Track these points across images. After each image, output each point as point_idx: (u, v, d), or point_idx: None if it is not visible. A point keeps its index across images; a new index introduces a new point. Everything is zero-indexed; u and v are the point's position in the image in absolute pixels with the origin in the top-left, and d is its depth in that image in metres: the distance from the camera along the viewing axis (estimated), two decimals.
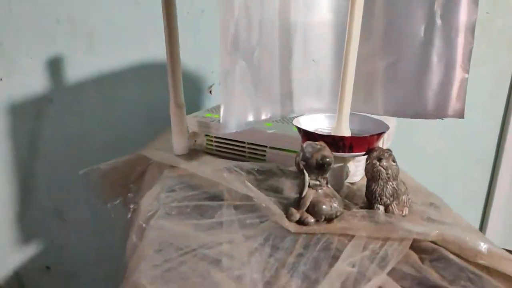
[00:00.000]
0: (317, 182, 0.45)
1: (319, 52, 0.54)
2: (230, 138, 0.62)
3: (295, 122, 0.51)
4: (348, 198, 0.50)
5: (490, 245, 0.37)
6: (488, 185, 1.05)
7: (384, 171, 0.44)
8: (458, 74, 0.49)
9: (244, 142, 0.61)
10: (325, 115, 0.55)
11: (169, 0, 0.55)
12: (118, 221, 0.82)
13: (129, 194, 0.70)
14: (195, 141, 0.65)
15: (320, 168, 0.44)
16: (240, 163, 0.56)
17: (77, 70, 0.84)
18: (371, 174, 0.45)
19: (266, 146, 0.59)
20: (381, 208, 0.45)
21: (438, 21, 0.49)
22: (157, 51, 0.83)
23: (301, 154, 0.45)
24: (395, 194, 0.44)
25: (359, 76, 0.51)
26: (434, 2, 0.49)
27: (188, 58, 0.85)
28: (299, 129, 0.50)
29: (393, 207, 0.44)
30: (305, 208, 0.45)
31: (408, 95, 0.53)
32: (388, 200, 0.44)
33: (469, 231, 0.41)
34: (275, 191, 0.51)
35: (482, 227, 1.08)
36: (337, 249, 0.40)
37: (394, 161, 0.45)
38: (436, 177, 1.04)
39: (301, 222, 0.45)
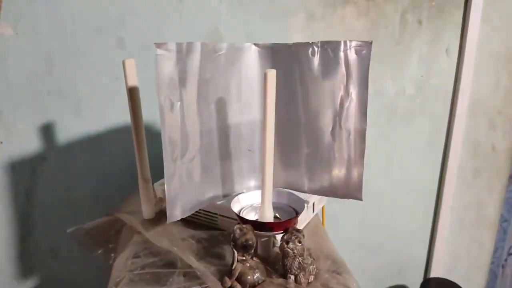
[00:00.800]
0: (243, 258, 0.59)
1: (254, 143, 0.68)
2: None
3: (233, 203, 0.66)
4: (276, 263, 0.64)
5: None
6: (432, 221, 1.19)
7: (290, 251, 0.58)
8: (354, 169, 0.63)
9: (199, 210, 0.75)
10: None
11: (135, 102, 0.69)
12: (102, 267, 0.96)
13: (109, 245, 0.84)
14: (162, 205, 0.79)
15: (244, 248, 0.58)
16: (193, 232, 0.70)
17: (66, 132, 0.99)
18: (282, 252, 0.59)
19: (217, 214, 0.73)
20: (292, 277, 0.59)
21: (339, 126, 0.63)
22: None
23: (231, 236, 0.60)
24: (301, 267, 0.58)
25: (288, 159, 0.66)
26: (337, 112, 0.63)
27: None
28: (234, 213, 0.64)
29: (300, 277, 0.58)
30: (234, 278, 0.59)
31: (323, 178, 0.67)
32: (296, 272, 0.58)
33: None
34: (218, 257, 0.65)
35: (429, 258, 1.22)
36: None
37: (300, 241, 0.59)
38: (385, 214, 1.18)
39: None
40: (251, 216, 0.67)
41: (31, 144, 0.98)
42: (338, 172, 0.65)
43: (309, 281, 0.59)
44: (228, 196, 0.69)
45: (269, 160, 0.59)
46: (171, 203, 0.58)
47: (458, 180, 1.15)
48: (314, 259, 0.61)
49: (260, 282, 0.59)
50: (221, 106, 0.64)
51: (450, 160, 1.10)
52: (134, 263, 0.66)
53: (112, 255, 0.84)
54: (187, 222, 0.75)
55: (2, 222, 1.03)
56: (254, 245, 0.59)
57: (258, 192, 0.69)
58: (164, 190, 0.78)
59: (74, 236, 0.81)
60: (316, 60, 0.61)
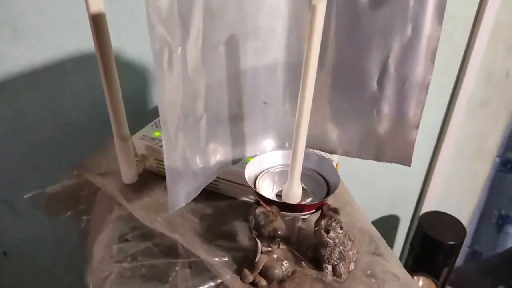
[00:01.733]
0: (269, 249, 0.46)
1: (271, 94, 0.52)
2: None
3: (247, 173, 0.51)
4: (299, 243, 0.52)
5: None
6: (432, 153, 1.11)
7: (331, 241, 0.46)
8: (405, 129, 0.49)
9: None
10: (278, 152, 0.55)
11: (102, 37, 0.49)
12: (72, 231, 0.82)
13: (80, 206, 0.69)
14: (145, 164, 0.63)
15: (272, 238, 0.45)
16: (193, 206, 0.56)
17: (5, 64, 0.75)
18: (319, 241, 0.46)
19: (219, 178, 0.59)
20: (329, 268, 0.47)
21: (392, 73, 0.47)
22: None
23: (253, 222, 0.46)
24: (342, 257, 0.47)
25: (316, 113, 0.50)
26: (389, 53, 0.46)
27: (130, 45, 0.78)
28: (253, 190, 0.49)
29: (340, 268, 0.47)
30: (258, 271, 0.47)
31: (361, 138, 0.52)
32: (336, 262, 0.47)
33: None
34: (229, 238, 0.52)
35: (423, 190, 1.17)
36: None
37: (341, 227, 0.46)
38: None
39: (254, 284, 0.47)
40: (269, 186, 0.53)
41: None
42: (383, 132, 0.51)
43: (349, 270, 0.48)
44: (239, 162, 0.54)
45: (305, 120, 0.43)
46: (173, 188, 0.42)
47: (465, 110, 1.05)
48: (353, 242, 0.49)
49: (289, 275, 0.47)
50: (233, 48, 0.45)
51: (462, 89, 0.99)
52: (122, 250, 0.51)
53: (84, 217, 0.70)
54: None
55: None
56: (283, 233, 0.46)
57: (276, 153, 0.54)
58: (147, 146, 0.62)
59: (34, 201, 0.65)
60: None
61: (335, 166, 0.61)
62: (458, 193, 1.23)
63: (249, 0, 0.44)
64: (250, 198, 0.58)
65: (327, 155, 0.59)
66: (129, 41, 0.78)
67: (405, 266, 1.10)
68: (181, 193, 0.44)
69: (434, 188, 1.13)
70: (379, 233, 0.55)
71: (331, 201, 0.56)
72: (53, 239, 0.96)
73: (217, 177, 0.58)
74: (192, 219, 0.54)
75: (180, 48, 0.38)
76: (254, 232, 0.46)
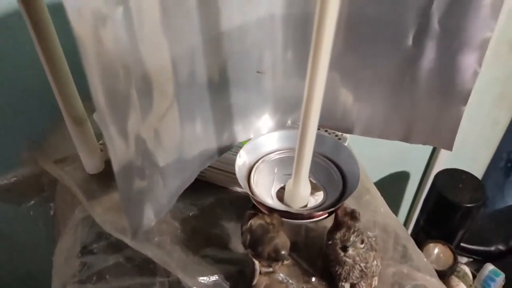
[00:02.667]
0: (270, 269, 0.36)
1: (265, 60, 0.38)
2: None
3: (238, 166, 0.39)
4: (308, 248, 0.41)
5: None
6: None
7: (350, 260, 0.35)
8: (453, 104, 0.36)
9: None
10: (277, 133, 0.42)
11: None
12: (38, 220, 0.71)
13: (43, 193, 0.58)
14: None
15: (274, 260, 0.34)
16: (173, 206, 0.44)
17: None
18: (335, 259, 0.35)
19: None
20: (347, 286, 0.37)
21: (435, 27, 0.34)
22: None
23: (248, 237, 0.35)
24: (363, 274, 0.36)
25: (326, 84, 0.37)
26: (433, 0, 0.32)
27: None
28: (249, 192, 0.37)
29: (361, 286, 0.37)
30: None
31: (388, 114, 0.40)
32: (355, 281, 0.37)
33: None
34: (220, 245, 0.42)
35: None
36: None
37: (362, 241, 0.35)
38: None
39: None
40: (267, 180, 0.41)
41: None
42: (418, 106, 0.38)
43: (372, 286, 0.38)
44: (228, 150, 0.42)
45: (318, 94, 0.30)
46: (132, 207, 0.30)
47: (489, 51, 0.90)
48: (376, 250, 0.38)
49: None
50: (210, 2, 0.31)
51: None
52: (86, 266, 0.41)
53: (51, 204, 0.59)
54: None
55: None
56: (288, 253, 0.35)
57: (273, 136, 0.42)
58: None
59: None
60: None
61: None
62: (475, 145, 1.12)
63: None
64: (242, 189, 0.47)
65: (341, 134, 0.47)
66: None
67: (416, 227, 1.03)
68: (147, 210, 0.32)
69: None
70: (405, 229, 0.44)
71: None
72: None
73: None
74: (172, 223, 0.43)
75: (121, 7, 0.24)
76: (249, 250, 0.35)
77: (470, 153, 1.14)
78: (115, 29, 0.24)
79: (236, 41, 0.35)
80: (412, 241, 0.43)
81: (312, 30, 0.34)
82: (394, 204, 1.18)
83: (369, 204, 0.46)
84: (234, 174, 0.45)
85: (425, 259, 0.42)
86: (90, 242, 0.43)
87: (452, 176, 0.94)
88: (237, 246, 0.42)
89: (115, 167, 0.28)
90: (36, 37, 0.37)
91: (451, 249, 0.84)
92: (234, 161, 0.43)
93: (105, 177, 0.49)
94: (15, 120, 0.69)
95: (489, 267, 0.85)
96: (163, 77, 0.30)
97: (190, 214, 0.44)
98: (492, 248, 1.13)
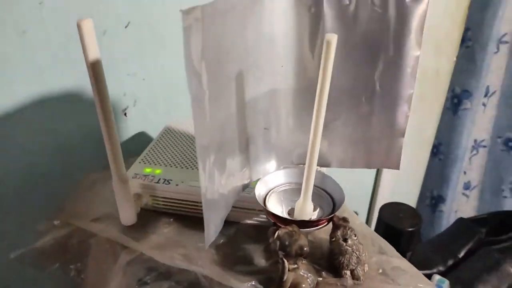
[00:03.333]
0: (295, 266, 0.49)
1: (270, 120, 0.55)
2: (181, 198, 0.61)
3: (258, 196, 0.53)
4: (312, 255, 0.55)
5: None
6: None
7: (350, 248, 0.50)
8: (395, 138, 0.55)
9: (196, 202, 0.60)
10: (281, 171, 0.58)
11: (100, 83, 0.48)
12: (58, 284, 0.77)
13: (67, 255, 0.66)
14: (142, 203, 0.62)
15: (298, 256, 0.48)
16: (202, 235, 0.56)
17: None
18: (339, 251, 0.50)
19: None
20: (348, 273, 0.51)
21: (378, 89, 0.53)
22: (54, 82, 0.73)
23: (277, 243, 0.49)
24: (359, 261, 0.51)
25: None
26: (375, 73, 0.52)
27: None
28: (268, 212, 0.52)
29: (358, 271, 0.51)
30: None
31: (354, 150, 0.57)
32: (354, 267, 0.51)
33: (419, 281, 0.51)
34: (247, 263, 0.54)
35: (376, 183, 1.27)
36: None
37: (355, 235, 0.51)
38: None
39: None
40: (277, 205, 0.56)
41: None
42: (373, 142, 0.56)
43: (365, 271, 0.53)
44: (247, 188, 0.56)
45: (317, 142, 0.47)
46: (209, 223, 0.43)
47: None
48: (362, 244, 0.53)
49: (314, 287, 0.50)
50: (239, 81, 0.47)
51: None
52: None
53: (72, 266, 0.67)
54: (185, 221, 0.60)
55: None
56: (308, 250, 0.49)
57: (278, 174, 0.57)
58: (142, 184, 0.61)
59: (22, 260, 0.61)
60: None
61: None
62: (406, 183, 1.35)
63: (252, 38, 0.46)
64: (254, 220, 0.60)
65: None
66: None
67: None
68: (212, 226, 0.45)
69: (386, 180, 1.24)
70: (378, 235, 0.60)
71: None
72: None
73: None
74: (208, 250, 0.55)
75: (207, 91, 0.39)
76: (280, 252, 0.48)
77: (403, 189, 1.36)
78: (205, 105, 0.39)
79: (252, 106, 0.51)
80: (384, 240, 0.59)
81: (300, 99, 0.52)
82: None
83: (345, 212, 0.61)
84: (246, 209, 0.59)
85: (395, 251, 0.57)
86: (144, 276, 0.53)
87: (393, 208, 1.14)
88: (260, 261, 0.55)
89: (203, 193, 0.41)
90: (103, 121, 0.51)
91: None
92: (246, 198, 0.57)
93: (139, 227, 0.60)
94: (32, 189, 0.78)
95: (436, 277, 1.03)
96: (219, 134, 0.45)
97: (220, 242, 0.56)
98: (435, 270, 1.32)
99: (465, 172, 1.49)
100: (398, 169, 0.57)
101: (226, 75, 0.44)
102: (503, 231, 1.09)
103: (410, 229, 1.08)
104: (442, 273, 1.31)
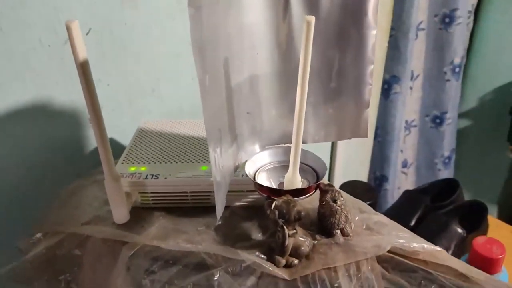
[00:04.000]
0: (294, 231, 0.54)
1: (252, 104, 0.59)
2: (170, 190, 0.63)
3: (250, 176, 0.57)
4: (302, 223, 0.61)
5: (425, 244, 0.55)
6: None
7: (339, 208, 0.56)
8: (362, 109, 0.62)
9: (186, 192, 0.63)
10: (266, 152, 0.63)
11: (89, 81, 0.50)
12: None
13: (55, 266, 0.65)
14: (132, 201, 0.63)
15: (297, 220, 0.53)
16: (205, 221, 0.59)
17: None
18: (329, 212, 0.56)
19: (210, 192, 0.63)
20: (338, 232, 0.57)
21: (343, 67, 0.60)
22: (19, 93, 0.71)
23: (276, 212, 0.53)
24: (347, 219, 0.57)
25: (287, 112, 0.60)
26: (339, 53, 0.59)
27: (60, 93, 0.76)
28: (259, 185, 0.56)
29: (347, 229, 0.57)
30: (288, 254, 0.54)
31: (326, 125, 0.64)
32: (343, 225, 0.57)
33: (399, 230, 0.59)
34: (245, 239, 0.58)
35: (331, 164, 1.36)
36: (332, 284, 0.51)
37: (342, 196, 0.57)
38: None
39: (287, 266, 0.54)
40: (267, 182, 0.60)
41: None
42: (343, 115, 0.63)
43: (352, 228, 0.59)
44: (237, 169, 0.60)
45: (301, 121, 0.53)
46: (220, 200, 0.47)
47: None
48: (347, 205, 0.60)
49: (312, 248, 0.55)
50: (226, 68, 0.52)
51: None
52: (156, 282, 0.52)
53: (61, 277, 0.66)
54: (176, 212, 0.63)
55: None
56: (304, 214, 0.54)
57: (261, 154, 0.62)
58: (131, 182, 0.62)
59: (15, 275, 0.59)
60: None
61: None
62: (356, 164, 1.46)
63: (233, 28, 0.51)
64: (243, 202, 0.64)
65: None
66: (59, 90, 0.76)
67: None
68: (221, 204, 0.49)
69: (339, 161, 1.34)
70: (358, 200, 0.67)
71: None
72: None
73: (208, 192, 0.63)
74: (208, 232, 0.58)
75: (207, 76, 0.43)
76: (280, 220, 0.53)
77: (354, 170, 1.47)
78: (206, 88, 0.43)
79: (237, 92, 0.55)
80: (361, 202, 0.66)
81: (280, 83, 0.57)
82: None
83: None
84: (235, 192, 0.63)
85: (372, 209, 0.65)
86: (150, 266, 0.54)
87: (351, 185, 1.23)
88: (257, 236, 0.59)
89: (214, 176, 0.44)
90: (97, 126, 0.52)
91: None
92: (234, 181, 0.61)
93: (134, 223, 0.61)
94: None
95: None
96: (217, 120, 0.49)
97: (218, 224, 0.59)
98: None
99: (402, 151, 1.64)
100: (366, 137, 0.64)
101: (217, 61, 0.48)
102: (445, 197, 1.22)
103: (369, 202, 1.17)
104: None
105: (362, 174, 1.57)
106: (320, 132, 0.64)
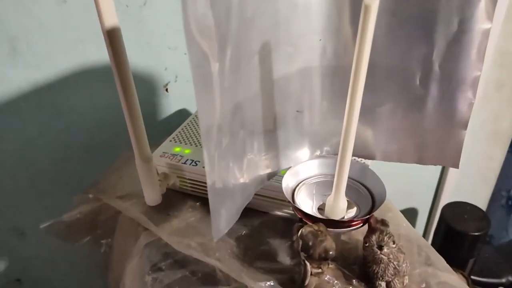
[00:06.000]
0: (319, 270, 0.43)
1: (303, 101, 0.48)
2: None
3: (285, 188, 0.47)
4: (344, 258, 0.49)
5: None
6: None
7: (385, 257, 0.42)
8: (455, 129, 0.46)
9: None
10: (314, 161, 0.51)
11: (118, 55, 0.45)
12: (91, 257, 0.78)
13: (97, 231, 0.65)
14: (168, 183, 0.59)
15: (324, 259, 0.42)
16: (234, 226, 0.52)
17: (5, 85, 0.71)
18: (372, 259, 0.43)
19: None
20: (383, 284, 0.44)
21: (436, 71, 0.44)
22: (96, 54, 0.71)
23: (300, 243, 0.43)
24: (396, 272, 0.44)
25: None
26: (433, 50, 0.43)
27: (136, 57, 0.74)
28: (293, 206, 0.46)
29: (395, 283, 0.44)
30: None
31: (403, 142, 0.49)
32: (390, 278, 0.44)
33: None
34: (270, 259, 0.49)
35: (440, 180, 1.15)
36: None
37: (394, 241, 0.43)
38: None
39: None
40: (308, 199, 0.49)
41: None
42: (428, 133, 0.47)
43: (404, 284, 0.45)
44: (274, 176, 0.50)
45: (353, 129, 0.40)
46: (218, 214, 0.38)
47: (481, 94, 1.02)
48: (404, 253, 0.46)
49: None
50: (266, 56, 0.41)
51: None
52: (157, 281, 0.48)
53: (104, 241, 0.67)
54: (204, 197, 0.57)
55: None
56: (335, 254, 0.42)
57: (311, 163, 0.51)
58: (169, 164, 0.58)
59: (50, 231, 0.61)
60: None
61: None
62: (475, 181, 1.21)
63: (283, 9, 0.40)
64: (283, 212, 0.55)
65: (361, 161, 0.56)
66: (134, 54, 0.74)
67: None
68: (223, 219, 0.40)
69: (451, 178, 1.11)
70: (426, 241, 0.52)
71: None
72: (65, 262, 0.92)
73: None
74: (228, 241, 0.50)
75: (218, 64, 0.34)
76: (302, 254, 0.42)
77: (471, 188, 1.22)
78: (213, 79, 0.34)
79: (282, 87, 0.45)
80: (432, 249, 0.51)
81: (339, 79, 0.45)
82: None
83: (392, 219, 0.53)
84: (275, 199, 0.53)
85: (445, 263, 0.49)
86: (159, 261, 0.50)
87: (458, 208, 1.02)
88: (284, 259, 0.49)
89: (209, 180, 0.36)
90: (124, 98, 0.47)
91: (464, 276, 0.90)
92: (275, 187, 0.52)
93: (163, 209, 0.57)
94: (74, 164, 0.79)
95: None
96: (235, 115, 0.40)
97: (243, 233, 0.51)
98: (503, 280, 1.18)
99: None
100: (457, 168, 0.48)
101: (247, 47, 0.38)
102: None
103: (475, 233, 0.95)
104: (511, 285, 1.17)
105: (482, 194, 1.29)
106: (394, 149, 0.50)
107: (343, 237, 0.51)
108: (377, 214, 0.48)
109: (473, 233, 0.95)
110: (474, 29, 0.40)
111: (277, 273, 0.47)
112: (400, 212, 0.55)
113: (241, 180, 0.43)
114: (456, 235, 0.97)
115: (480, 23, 0.40)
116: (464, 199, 1.05)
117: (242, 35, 0.37)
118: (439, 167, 1.12)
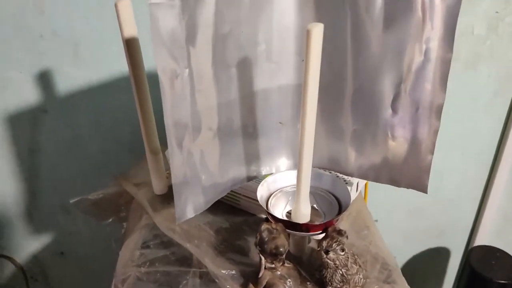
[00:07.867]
0: (272, 265, 0.47)
1: (285, 114, 0.53)
2: None
3: (259, 190, 0.52)
4: (310, 264, 0.52)
5: None
6: (486, 180, 1.04)
7: (331, 262, 0.45)
8: (419, 153, 0.48)
9: None
10: (294, 172, 0.56)
11: (135, 59, 0.54)
12: (113, 234, 0.88)
13: (120, 214, 0.75)
14: None
15: (274, 255, 0.46)
16: (211, 218, 0.58)
17: (66, 81, 0.85)
18: (321, 263, 0.46)
19: (240, 194, 0.61)
20: None
21: (404, 95, 0.47)
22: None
23: (258, 238, 0.47)
24: (345, 280, 0.46)
25: (331, 134, 0.51)
26: (402, 77, 0.46)
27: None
28: (265, 209, 0.51)
29: None
30: (261, 287, 0.48)
31: (376, 162, 0.52)
32: (338, 285, 0.46)
33: None
34: (241, 253, 0.54)
35: (476, 221, 1.09)
36: None
37: (343, 249, 0.46)
38: (433, 172, 1.03)
39: None
40: (282, 205, 0.54)
41: (28, 95, 0.85)
42: (398, 156, 0.50)
43: None
44: (254, 179, 0.56)
45: (308, 142, 0.44)
46: (179, 200, 0.45)
47: None
48: (360, 266, 0.48)
49: None
50: (246, 69, 0.48)
51: None
52: (143, 256, 0.55)
53: (124, 224, 0.76)
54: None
55: (8, 178, 0.95)
56: (286, 251, 0.46)
57: (291, 173, 0.55)
58: None
59: (78, 206, 0.72)
60: (378, 2, 0.43)
61: (358, 187, 0.61)
62: None
63: (261, 21, 0.46)
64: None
65: (349, 178, 0.59)
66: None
67: None
68: (189, 205, 0.47)
69: (488, 219, 1.05)
70: (397, 263, 0.53)
71: (350, 223, 0.56)
72: (103, 240, 1.04)
73: (238, 193, 0.60)
74: (208, 231, 0.56)
75: (187, 70, 0.41)
76: (258, 247, 0.47)
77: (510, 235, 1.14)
78: (183, 82, 0.41)
79: (263, 99, 0.51)
80: (398, 270, 0.52)
81: (321, 97, 0.49)
82: (437, 281, 1.19)
83: (366, 237, 0.56)
84: (258, 202, 0.58)
85: (407, 284, 0.50)
86: (149, 240, 0.57)
87: (487, 252, 0.96)
88: (255, 255, 0.54)
89: (172, 169, 0.43)
90: (137, 97, 0.56)
91: None
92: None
93: (167, 198, 0.64)
94: (117, 153, 0.91)
95: None
96: (209, 115, 0.46)
97: (223, 227, 0.57)
98: None
99: None
100: (426, 192, 0.49)
101: (223, 59, 0.45)
102: None
103: (500, 281, 0.90)
104: None
105: None
106: (370, 168, 0.53)
107: (313, 245, 0.55)
108: (355, 228, 0.52)
109: (499, 281, 0.90)
110: (437, 57, 0.43)
111: (243, 265, 0.52)
112: (379, 233, 0.57)
113: (212, 175, 0.49)
114: (481, 280, 0.92)
115: (442, 53, 0.42)
116: (503, 244, 0.99)
117: (218, 47, 0.44)
118: (476, 205, 1.07)
